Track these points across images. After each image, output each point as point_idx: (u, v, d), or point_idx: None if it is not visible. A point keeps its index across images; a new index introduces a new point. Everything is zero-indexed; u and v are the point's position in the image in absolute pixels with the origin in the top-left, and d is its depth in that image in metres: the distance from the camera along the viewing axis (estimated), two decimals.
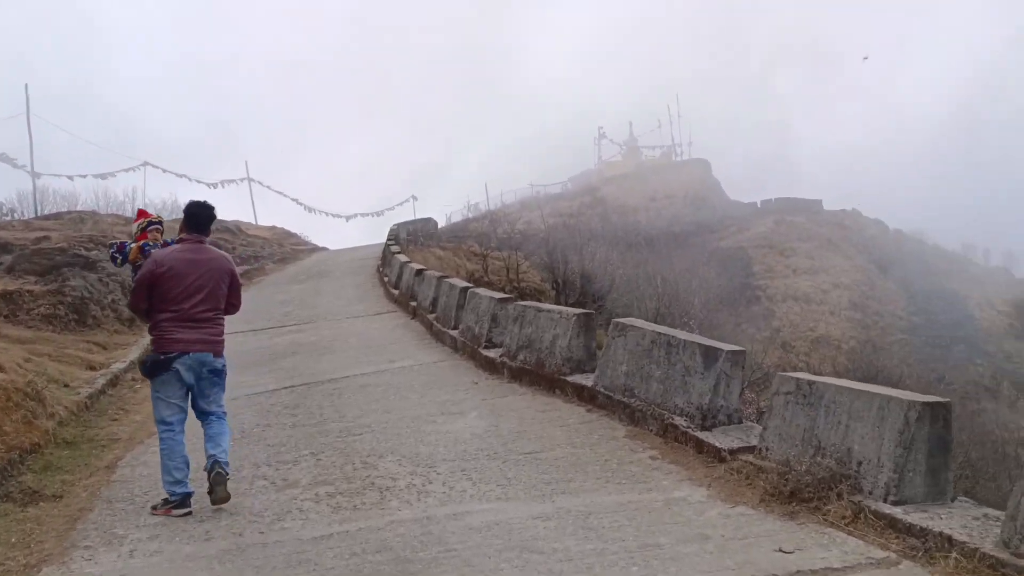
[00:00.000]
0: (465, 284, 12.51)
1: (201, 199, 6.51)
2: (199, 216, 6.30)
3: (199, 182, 44.45)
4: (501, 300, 10.33)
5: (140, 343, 14.06)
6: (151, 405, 6.40)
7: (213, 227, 6.62)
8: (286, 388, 10.39)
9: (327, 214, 53.13)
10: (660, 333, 7.17)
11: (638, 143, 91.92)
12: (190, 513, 5.85)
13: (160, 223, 8.18)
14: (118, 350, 14.10)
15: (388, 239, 26.85)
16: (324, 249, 40.34)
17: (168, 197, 38.19)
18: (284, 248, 35.57)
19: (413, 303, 15.70)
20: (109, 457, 7.95)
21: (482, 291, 11.20)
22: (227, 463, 6.02)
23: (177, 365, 5.98)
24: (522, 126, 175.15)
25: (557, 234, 35.37)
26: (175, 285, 6.01)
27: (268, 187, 48.70)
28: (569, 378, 8.22)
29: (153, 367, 6.07)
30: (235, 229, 34.96)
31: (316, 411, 8.94)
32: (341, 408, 8.95)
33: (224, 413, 6.37)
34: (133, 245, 8.60)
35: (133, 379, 11.97)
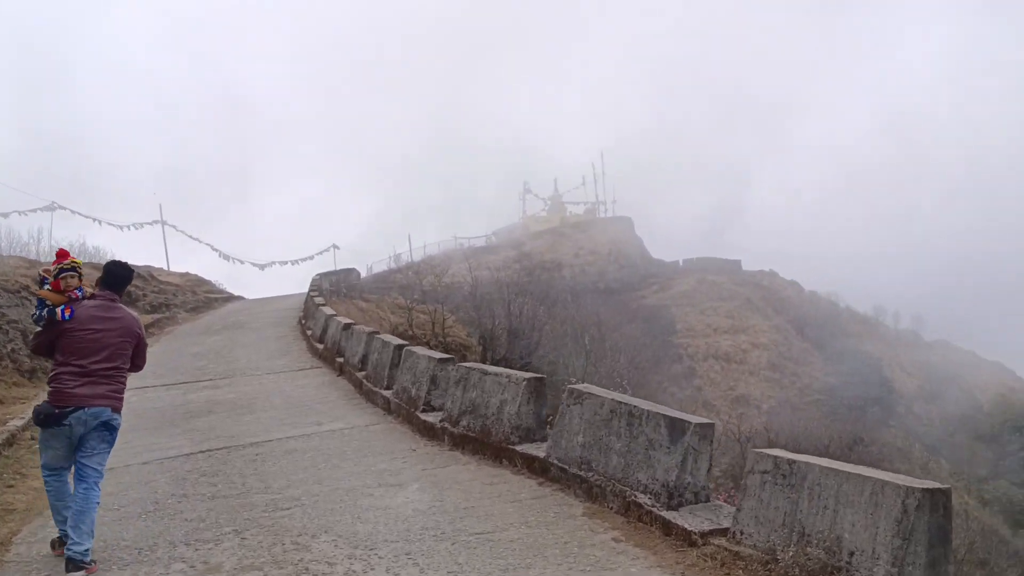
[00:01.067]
0: (400, 342, 11.87)
1: (121, 260, 6.65)
2: (116, 276, 6.44)
3: (110, 224, 42.70)
4: (441, 360, 9.73)
5: (41, 398, 12.92)
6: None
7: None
8: (203, 452, 9.53)
9: (242, 262, 51.67)
10: (620, 402, 6.70)
11: (563, 199, 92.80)
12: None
13: (76, 267, 7.47)
14: (16, 405, 12.97)
15: (311, 290, 25.96)
16: (240, 298, 39.00)
17: (76, 239, 36.44)
18: (198, 296, 34.19)
19: (340, 359, 14.93)
20: (3, 532, 7.02)
21: (419, 350, 10.58)
22: (87, 551, 5.79)
23: (71, 420, 5.98)
24: (447, 179, 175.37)
25: (484, 288, 34.92)
26: (80, 340, 6.07)
27: (182, 231, 47.13)
28: (518, 448, 7.66)
29: (47, 419, 6.03)
30: (146, 275, 33.46)
31: (238, 480, 8.14)
32: (266, 477, 8.17)
33: (100, 476, 6.22)
34: (48, 290, 7.59)
35: (32, 438, 10.90)
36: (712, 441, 6.15)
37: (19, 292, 17.34)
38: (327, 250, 56.47)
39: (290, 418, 11.18)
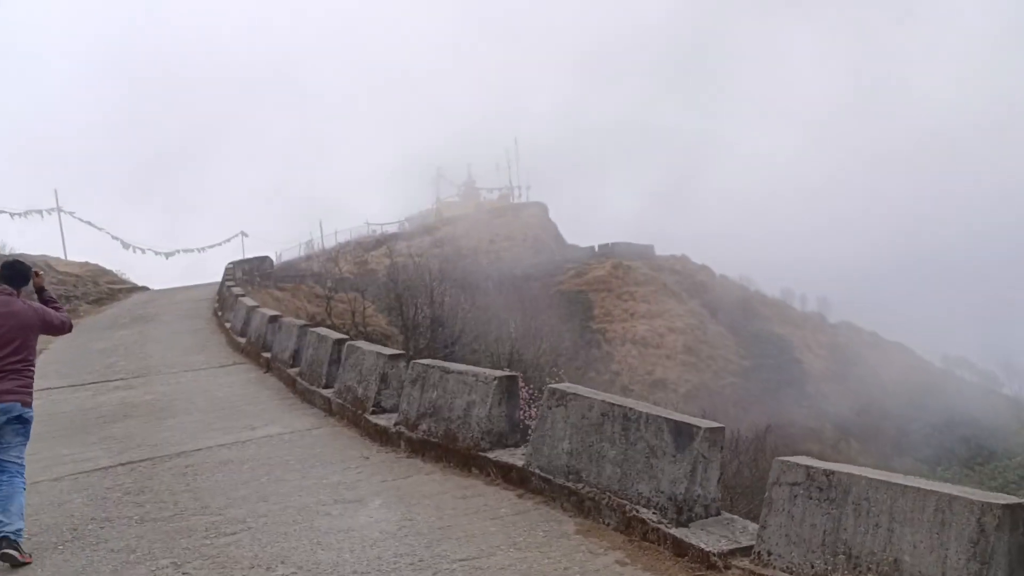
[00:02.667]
0: (339, 336, 10.93)
1: (14, 257, 7.24)
2: (9, 273, 6.54)
3: (1, 211, 39.81)
4: (392, 357, 8.88)
5: None
6: None
7: (26, 283, 6.72)
8: (124, 465, 8.46)
9: (144, 251, 49.09)
10: (613, 404, 6.01)
11: (476, 184, 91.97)
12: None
13: None
14: None
15: (225, 279, 24.55)
16: (145, 288, 36.98)
17: None
18: (100, 287, 32.22)
19: (266, 354, 13.86)
20: None
21: (364, 345, 9.69)
22: (19, 531, 5.97)
23: None
24: (357, 163, 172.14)
25: (403, 275, 33.89)
26: None
27: (80, 219, 44.39)
28: (491, 455, 6.91)
29: None
30: (44, 266, 31.28)
31: (169, 498, 7.15)
32: (201, 494, 7.21)
33: (22, 467, 6.30)
34: None
35: None
36: (722, 447, 5.53)
37: None
38: (235, 237, 54.33)
39: (218, 422, 10.15)
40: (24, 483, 6.22)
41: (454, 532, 5.78)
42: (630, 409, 5.87)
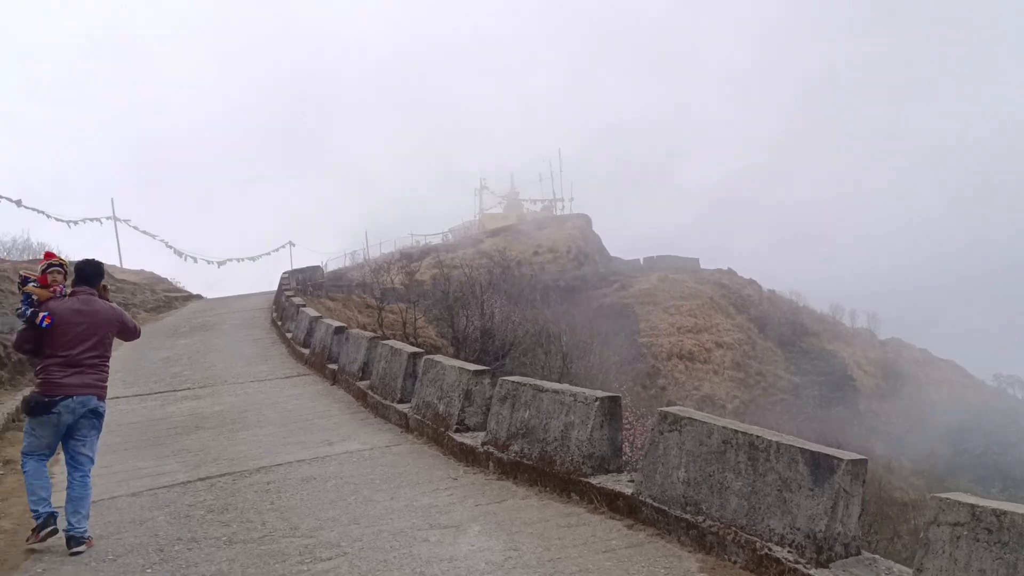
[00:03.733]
0: (414, 349, 10.64)
1: (88, 257, 7.09)
2: (86, 273, 6.87)
3: (58, 220, 40.38)
4: (477, 373, 8.55)
5: (3, 411, 11.45)
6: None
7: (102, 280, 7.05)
8: (203, 480, 8.23)
9: (196, 260, 49.46)
10: (736, 431, 5.61)
11: (519, 196, 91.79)
12: (56, 531, 6.36)
13: (62, 265, 7.20)
14: None
15: (283, 288, 24.46)
16: (199, 297, 37.23)
17: (20, 235, 34.21)
18: (157, 295, 32.44)
19: (332, 366, 13.64)
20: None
21: (445, 359, 9.38)
22: (85, 531, 6.42)
23: (60, 408, 6.41)
24: (402, 176, 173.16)
25: (452, 287, 33.67)
26: (62, 333, 6.50)
27: (136, 227, 44.90)
28: (593, 480, 6.53)
29: (36, 407, 6.43)
30: None
31: (255, 518, 6.88)
32: (288, 514, 6.93)
33: (93, 463, 6.74)
34: (35, 285, 7.01)
35: None
36: (864, 481, 5.11)
37: None
38: (283, 247, 54.72)
39: (293, 436, 9.91)
40: (91, 482, 6.68)
41: (566, 566, 5.42)
42: (757, 437, 5.47)
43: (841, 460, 5.01)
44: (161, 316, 26.50)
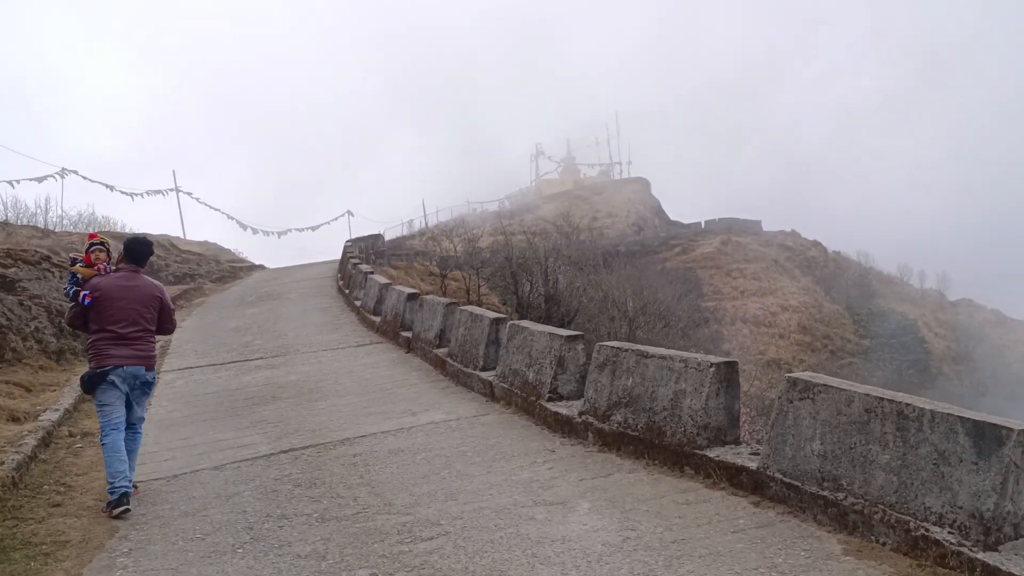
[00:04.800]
0: (495, 315, 10.20)
1: (139, 234, 7.54)
2: (134, 251, 7.08)
3: (123, 192, 40.83)
4: (570, 338, 8.05)
5: (73, 383, 11.34)
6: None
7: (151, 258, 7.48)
8: (286, 452, 7.92)
9: (256, 230, 49.74)
10: (880, 398, 5.02)
11: (576, 161, 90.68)
12: (128, 511, 6.46)
13: (104, 243, 7.55)
14: (46, 392, 11.35)
15: (348, 256, 24.25)
16: (262, 267, 37.41)
17: (85, 208, 34.61)
18: (222, 266, 32.62)
19: (406, 333, 13.29)
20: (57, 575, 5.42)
21: (532, 325, 8.89)
22: (130, 481, 6.72)
23: (112, 376, 6.71)
24: (455, 141, 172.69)
25: (516, 252, 33.11)
26: (107, 308, 6.77)
27: (198, 199, 45.26)
28: (709, 453, 6.00)
29: (91, 380, 6.76)
30: (167, 245, 31.90)
31: (345, 492, 6.52)
32: (380, 489, 6.55)
33: (143, 419, 7.22)
34: (81, 265, 7.37)
35: (70, 434, 9.34)
36: None
37: (39, 264, 15.68)
38: (342, 216, 54.82)
39: (374, 406, 9.56)
40: (142, 434, 7.25)
41: (692, 548, 4.92)
42: (906, 405, 4.88)
43: (1012, 430, 4.39)
44: (227, 286, 26.54)
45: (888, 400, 5.01)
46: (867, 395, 5.13)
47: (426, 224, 68.60)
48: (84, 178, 35.95)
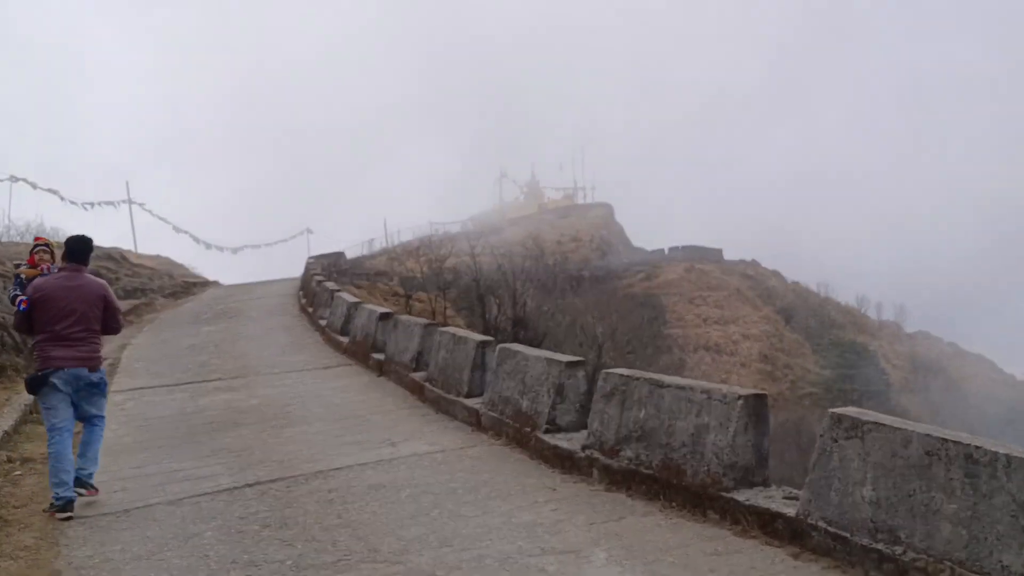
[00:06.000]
0: (482, 337, 9.52)
1: (80, 233, 7.16)
2: (74, 249, 6.94)
3: (72, 202, 39.42)
4: (571, 365, 7.39)
5: (14, 402, 10.40)
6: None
7: (93, 256, 7.32)
8: (251, 486, 7.12)
9: (209, 246, 48.42)
10: (944, 440, 4.43)
11: (540, 184, 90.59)
12: (71, 518, 6.34)
13: (47, 245, 7.75)
14: None
15: (312, 273, 23.38)
16: (216, 283, 36.23)
17: (34, 219, 33.20)
18: (175, 281, 31.45)
19: (378, 355, 12.52)
20: None
21: (525, 349, 8.22)
22: (90, 475, 6.81)
23: (54, 379, 6.57)
24: (417, 163, 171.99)
25: (481, 275, 32.48)
26: (49, 309, 6.62)
27: (150, 211, 43.92)
28: (738, 496, 5.36)
29: (33, 383, 6.68)
30: (118, 257, 30.69)
31: (322, 536, 5.75)
32: (361, 530, 5.80)
33: (103, 418, 7.09)
34: (25, 267, 7.96)
35: (9, 460, 8.42)
36: None
37: None
38: (300, 234, 53.75)
39: (347, 434, 8.79)
40: (103, 431, 7.08)
41: None
42: (976, 447, 4.29)
43: None
44: (181, 302, 25.48)
45: (953, 442, 4.42)
46: (927, 435, 4.53)
47: (388, 243, 67.66)
48: (33, 186, 34.58)
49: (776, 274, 78.12)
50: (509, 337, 29.17)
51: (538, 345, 29.21)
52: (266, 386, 11.96)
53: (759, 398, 5.63)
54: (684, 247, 71.75)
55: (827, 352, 58.61)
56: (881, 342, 69.51)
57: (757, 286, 68.46)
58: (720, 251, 76.85)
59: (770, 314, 62.96)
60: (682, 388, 5.98)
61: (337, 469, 7.40)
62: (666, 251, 71.71)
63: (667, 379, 6.19)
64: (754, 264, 77.62)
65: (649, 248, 76.96)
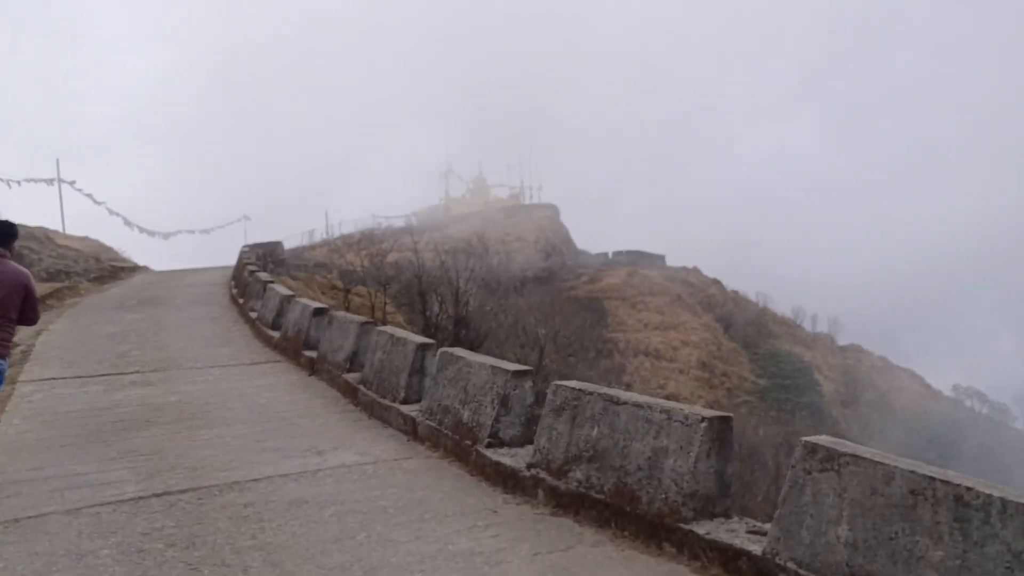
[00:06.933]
0: (422, 339, 8.90)
1: (3, 218, 7.01)
2: None
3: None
4: (518, 374, 6.83)
5: None
6: None
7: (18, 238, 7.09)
8: (158, 496, 6.42)
9: (143, 230, 46.75)
10: (930, 478, 4.00)
11: (487, 182, 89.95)
12: None
13: None
14: None
15: (245, 263, 22.43)
16: (146, 269, 34.88)
17: None
18: (102, 264, 30.06)
19: (310, 353, 11.82)
20: None
21: (470, 355, 7.62)
22: None
23: None
24: (363, 155, 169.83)
25: (427, 272, 31.74)
26: None
27: (80, 190, 42.16)
28: (698, 529, 4.87)
29: None
30: (42, 238, 29.23)
31: (234, 560, 5.10)
32: (277, 556, 5.16)
33: None
34: None
35: None
36: None
37: None
38: (237, 221, 52.35)
39: (270, 439, 8.10)
40: None
41: None
42: (967, 489, 3.86)
43: None
44: (107, 287, 24.29)
45: (941, 481, 3.99)
46: (912, 472, 4.10)
47: (328, 235, 66.48)
48: None
49: (716, 282, 78.77)
50: (450, 336, 28.56)
51: (479, 346, 28.73)
52: (187, 381, 11.17)
53: (724, 421, 5.15)
54: (628, 252, 71.90)
55: (763, 361, 59.16)
56: (815, 354, 70.52)
57: (697, 293, 68.86)
58: (663, 257, 77.25)
59: (710, 322, 63.33)
60: (640, 406, 5.47)
61: (255, 480, 6.74)
62: (610, 255, 71.78)
63: (623, 395, 5.67)
64: (695, 271, 78.15)
65: (593, 251, 76.98)
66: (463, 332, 28.20)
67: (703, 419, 5.07)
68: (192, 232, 50.60)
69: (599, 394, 5.80)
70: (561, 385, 6.16)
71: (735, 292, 78.31)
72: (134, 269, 33.04)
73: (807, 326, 79.90)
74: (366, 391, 9.27)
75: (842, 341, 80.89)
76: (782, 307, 79.60)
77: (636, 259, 70.59)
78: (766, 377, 57.21)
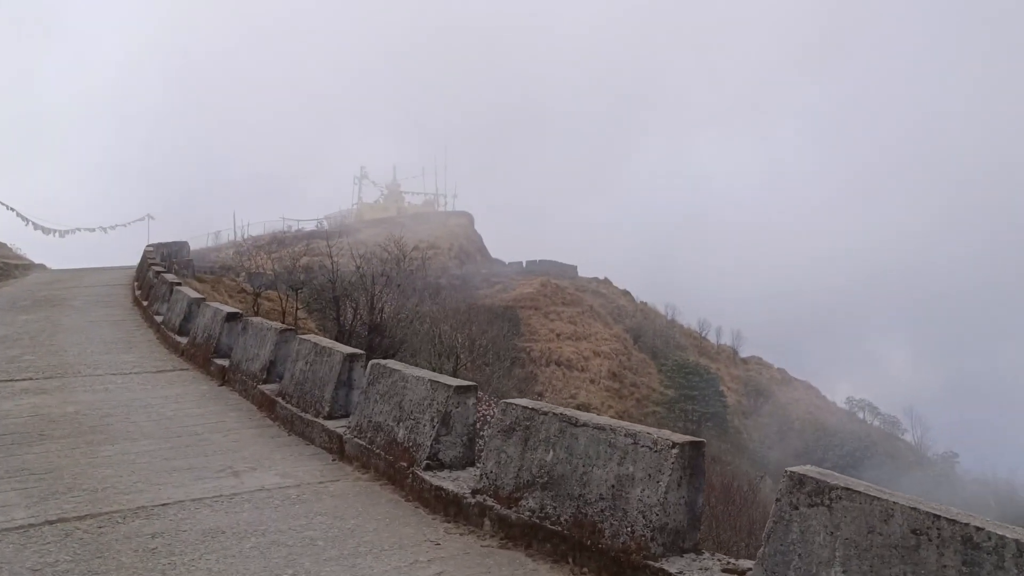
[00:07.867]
0: (350, 350, 8.26)
1: None
2: None
3: None
4: (460, 390, 6.29)
5: None
6: None
7: None
8: (52, 524, 5.65)
9: (38, 227, 44.18)
10: (935, 515, 3.67)
11: (400, 188, 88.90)
12: None
13: None
14: None
15: (150, 263, 21.18)
16: (42, 267, 32.94)
17: None
18: None
19: (221, 361, 11.02)
20: None
21: (406, 368, 7.05)
22: None
23: None
24: (274, 158, 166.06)
25: (341, 277, 30.77)
26: None
27: None
28: (668, 567, 4.45)
29: None
30: None
31: None
32: None
33: None
34: None
35: None
36: None
37: None
38: (140, 220, 50.19)
39: (180, 457, 7.35)
40: None
41: None
42: (977, 529, 3.54)
43: None
44: None
45: (947, 519, 3.65)
46: (914, 509, 3.76)
47: (236, 236, 64.57)
48: None
49: (626, 293, 79.72)
50: (364, 343, 27.70)
51: (394, 354, 27.96)
52: (85, 390, 10.23)
53: (695, 447, 4.74)
54: (541, 261, 72.01)
55: (671, 372, 59.88)
56: (719, 365, 71.97)
57: (608, 304, 69.43)
58: (575, 268, 77.76)
59: (620, 332, 63.84)
60: (601, 429, 5.03)
61: (164, 505, 6.02)
62: (524, 264, 71.74)
63: (583, 416, 5.22)
64: (606, 282, 78.89)
65: (507, 260, 76.86)
66: (378, 339, 27.39)
67: (674, 445, 4.66)
68: (92, 230, 48.19)
69: (555, 414, 5.34)
70: (512, 403, 5.67)
71: (644, 303, 79.40)
72: (29, 267, 31.14)
73: (712, 338, 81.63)
74: (285, 404, 8.58)
75: (744, 353, 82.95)
76: (688, 319, 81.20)
77: (549, 269, 70.74)
78: (674, 388, 57.91)
